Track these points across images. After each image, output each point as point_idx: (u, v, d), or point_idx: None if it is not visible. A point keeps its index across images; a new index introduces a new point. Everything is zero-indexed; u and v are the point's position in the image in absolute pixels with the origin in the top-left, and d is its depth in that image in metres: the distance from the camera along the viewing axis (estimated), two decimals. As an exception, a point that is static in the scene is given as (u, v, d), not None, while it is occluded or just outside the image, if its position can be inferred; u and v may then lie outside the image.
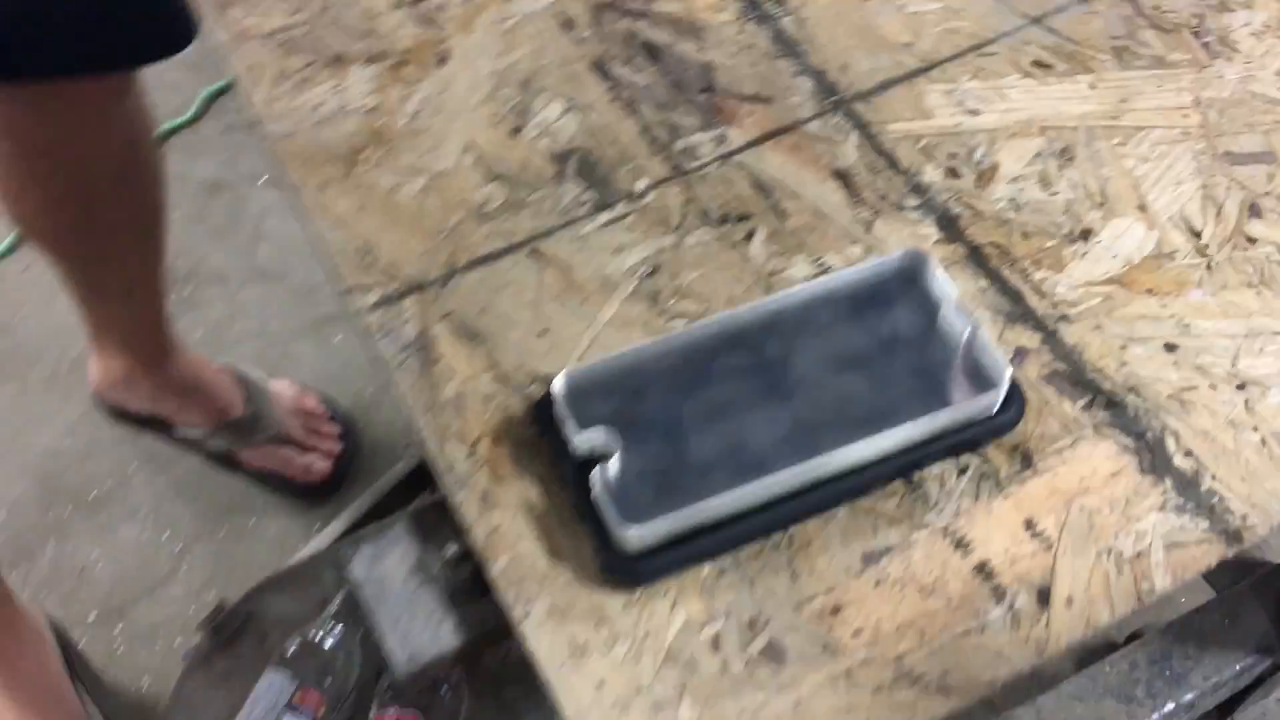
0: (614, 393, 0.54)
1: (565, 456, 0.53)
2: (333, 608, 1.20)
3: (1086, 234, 0.62)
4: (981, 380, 0.54)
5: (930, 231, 0.62)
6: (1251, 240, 0.61)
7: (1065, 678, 0.76)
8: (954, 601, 0.50)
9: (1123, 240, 0.62)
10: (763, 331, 0.56)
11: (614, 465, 0.51)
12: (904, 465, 0.54)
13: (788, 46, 0.70)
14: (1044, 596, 0.51)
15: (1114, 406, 0.56)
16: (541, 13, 0.71)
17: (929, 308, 0.56)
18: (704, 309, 0.59)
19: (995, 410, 0.54)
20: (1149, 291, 0.60)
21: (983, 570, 0.51)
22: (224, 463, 1.43)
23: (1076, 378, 0.57)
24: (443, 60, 0.69)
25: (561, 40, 0.70)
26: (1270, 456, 0.54)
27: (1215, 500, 0.53)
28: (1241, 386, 0.56)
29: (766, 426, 0.53)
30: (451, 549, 0.54)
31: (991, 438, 0.55)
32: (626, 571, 0.51)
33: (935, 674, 0.48)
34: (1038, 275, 0.60)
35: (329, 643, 1.17)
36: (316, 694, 1.09)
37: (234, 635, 1.19)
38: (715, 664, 0.49)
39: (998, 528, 0.53)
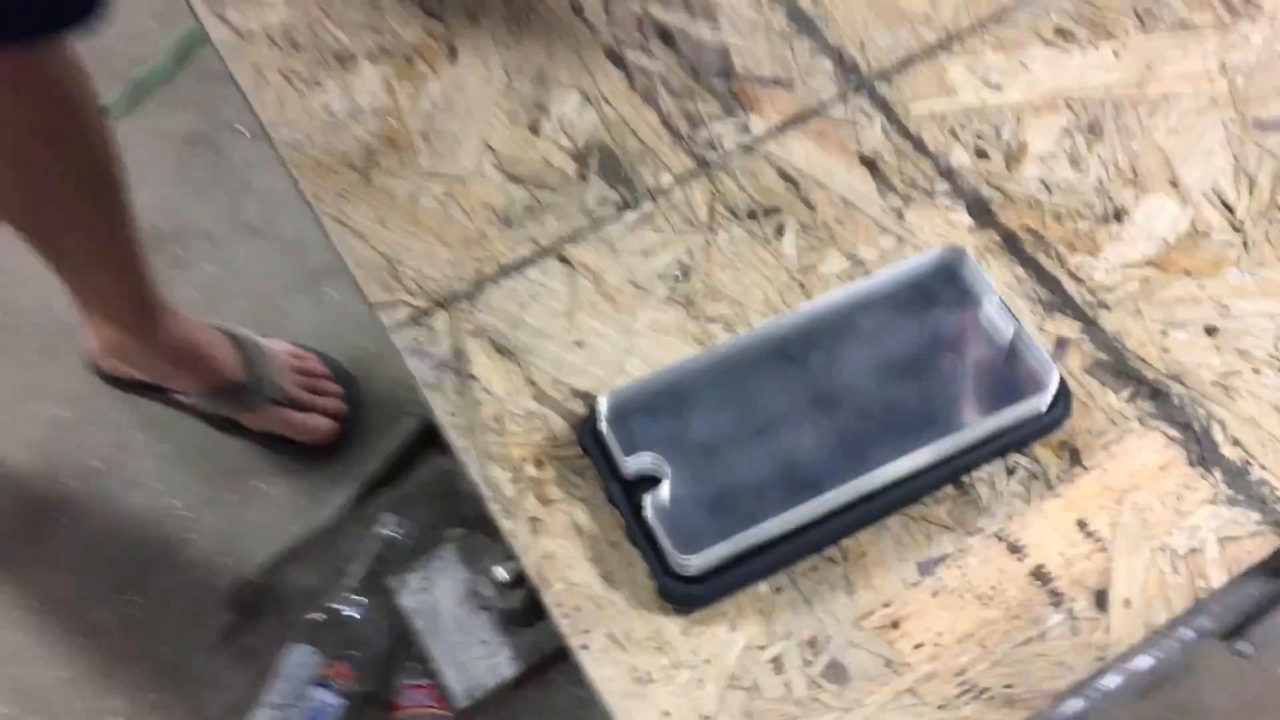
0: (659, 412, 0.53)
1: (613, 479, 0.53)
2: (351, 577, 1.21)
3: (1120, 214, 0.61)
4: (1029, 381, 0.54)
5: (962, 219, 0.61)
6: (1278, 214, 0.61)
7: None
8: (1013, 609, 0.51)
9: (1157, 219, 0.61)
10: (803, 341, 0.55)
11: (665, 490, 0.51)
12: (954, 470, 0.53)
13: (805, 23, 0.68)
14: (1101, 600, 0.51)
15: (1158, 396, 0.56)
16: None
17: (970, 306, 0.56)
18: (739, 311, 0.58)
19: (1044, 410, 0.54)
20: (1186, 272, 0.59)
21: (1039, 575, 0.52)
22: (226, 427, 1.42)
23: (1119, 368, 0.57)
24: (453, 54, 0.67)
25: (573, 26, 0.68)
26: (1316, 442, 0.54)
27: (1265, 490, 0.53)
28: (1284, 369, 0.56)
29: (815, 440, 0.53)
30: (500, 574, 0.54)
31: (1040, 436, 0.55)
32: (685, 597, 0.51)
33: (999, 686, 0.49)
34: (1074, 260, 0.60)
35: (353, 613, 1.18)
36: (345, 667, 1.10)
37: (256, 610, 1.20)
38: (779, 687, 0.49)
39: (1051, 529, 0.53)
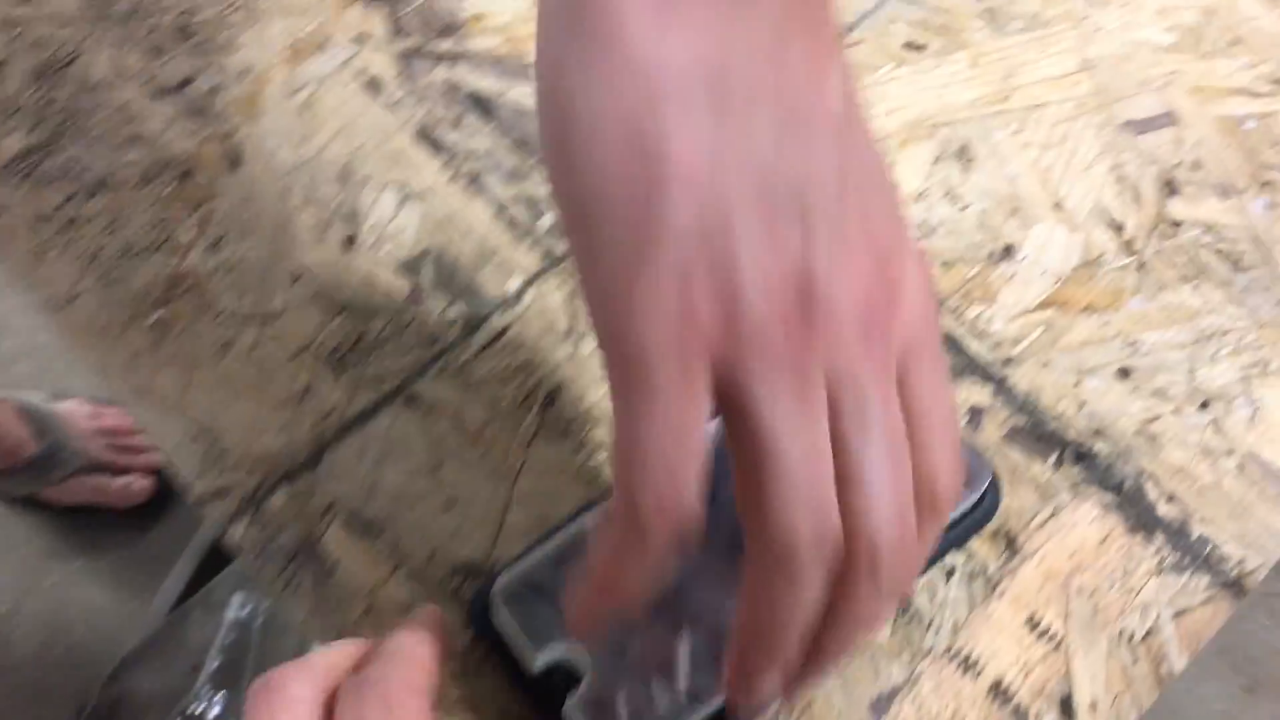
0: (563, 586, 0.46)
1: (520, 674, 0.45)
2: (206, 673, 1.11)
3: (1009, 250, 0.56)
4: None
5: (846, 281, 0.55)
6: (1176, 225, 0.57)
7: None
8: (980, 741, 0.46)
9: (1047, 251, 0.56)
10: (718, 464, 0.49)
11: (587, 686, 0.44)
12: None
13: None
14: (1067, 707, 0.47)
15: (1084, 458, 0.52)
16: (339, 74, 0.59)
17: None
18: (624, 433, 0.51)
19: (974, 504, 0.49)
20: (1088, 309, 0.55)
21: (998, 691, 0.47)
22: (31, 506, 1.29)
23: (1039, 431, 0.52)
24: (235, 162, 0.57)
25: (373, 108, 0.58)
26: (1251, 481, 0.51)
27: (1209, 549, 0.50)
28: (1205, 405, 0.53)
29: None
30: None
31: (975, 531, 0.50)
32: None
33: (984, 838, 0.45)
34: (971, 313, 0.55)
35: (216, 710, 1.08)
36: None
37: (106, 730, 1.09)
38: None
39: (1001, 634, 0.48)
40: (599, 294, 0.28)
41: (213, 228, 0.55)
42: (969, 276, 0.56)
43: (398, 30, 0.60)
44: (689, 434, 0.28)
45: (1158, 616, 0.49)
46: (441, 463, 0.51)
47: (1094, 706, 0.47)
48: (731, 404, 0.29)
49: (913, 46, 0.61)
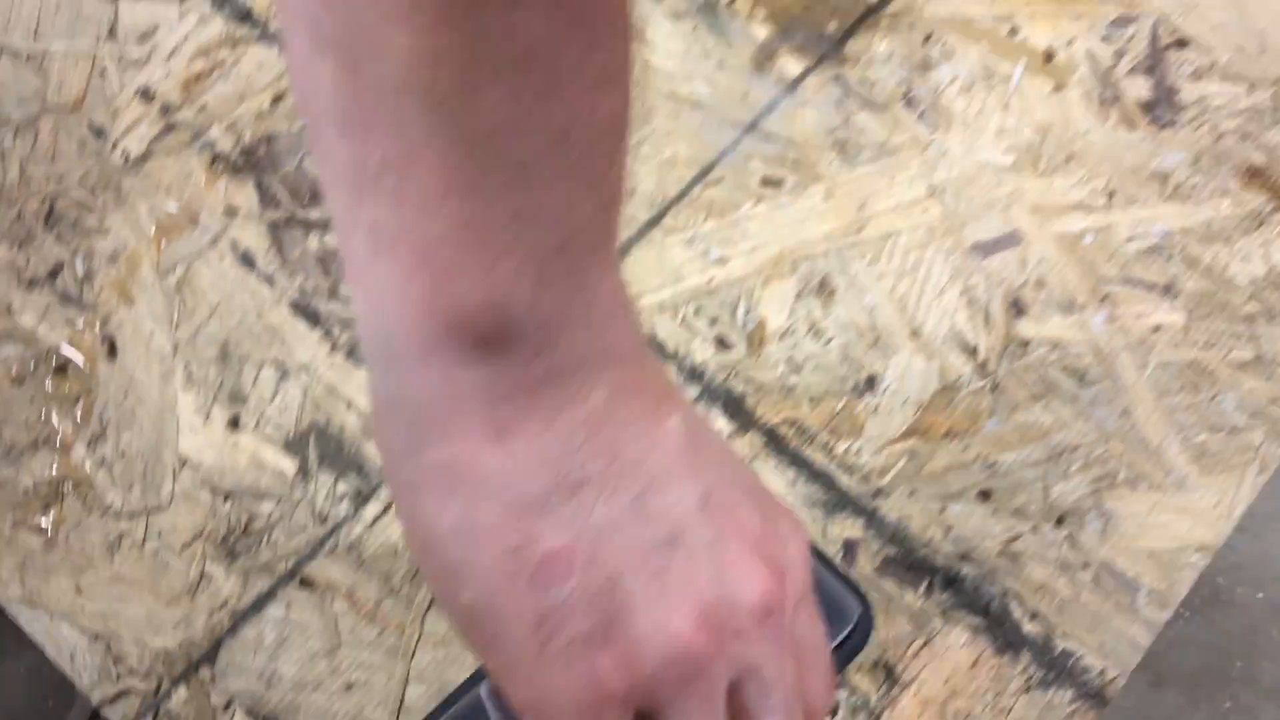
0: None
1: None
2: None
3: (872, 381, 0.59)
4: (833, 611, 0.52)
5: (721, 424, 0.58)
6: (1024, 344, 0.60)
7: None
8: None
9: (907, 380, 0.59)
10: None
11: None
12: None
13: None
14: (951, 835, 0.50)
15: (953, 583, 0.55)
16: (210, 251, 0.60)
17: None
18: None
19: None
20: (948, 434, 0.58)
21: (886, 825, 0.50)
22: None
23: (910, 560, 0.55)
24: (112, 349, 0.58)
25: (248, 282, 0.59)
26: (1107, 593, 0.55)
27: (1072, 661, 0.53)
28: (1060, 521, 0.56)
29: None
30: None
31: (849, 659, 0.53)
32: None
33: None
34: (840, 447, 0.58)
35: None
36: None
37: None
38: None
39: (886, 768, 0.51)
40: (509, 679, 0.31)
41: (94, 421, 0.56)
42: (836, 410, 0.58)
43: (266, 201, 0.61)
44: None
45: (1029, 735, 0.52)
46: (339, 644, 0.52)
47: (976, 831, 0.50)
48: None
49: (770, 182, 0.64)
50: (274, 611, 0.52)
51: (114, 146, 0.61)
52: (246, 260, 0.60)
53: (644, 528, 0.30)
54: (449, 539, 0.30)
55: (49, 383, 0.57)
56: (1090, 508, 0.57)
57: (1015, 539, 0.56)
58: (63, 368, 0.57)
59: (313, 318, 0.59)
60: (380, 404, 0.31)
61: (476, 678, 0.49)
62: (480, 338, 0.28)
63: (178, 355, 0.58)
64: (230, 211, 0.61)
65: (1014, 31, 0.67)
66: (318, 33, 0.26)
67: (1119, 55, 0.66)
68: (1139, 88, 0.66)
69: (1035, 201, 0.64)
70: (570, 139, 0.27)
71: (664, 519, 0.31)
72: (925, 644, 0.53)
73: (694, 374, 0.59)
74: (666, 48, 0.66)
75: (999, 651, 0.53)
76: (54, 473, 0.55)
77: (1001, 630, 0.54)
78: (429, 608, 0.53)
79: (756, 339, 0.60)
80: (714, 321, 0.60)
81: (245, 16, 0.64)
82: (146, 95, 0.62)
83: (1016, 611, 0.54)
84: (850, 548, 0.55)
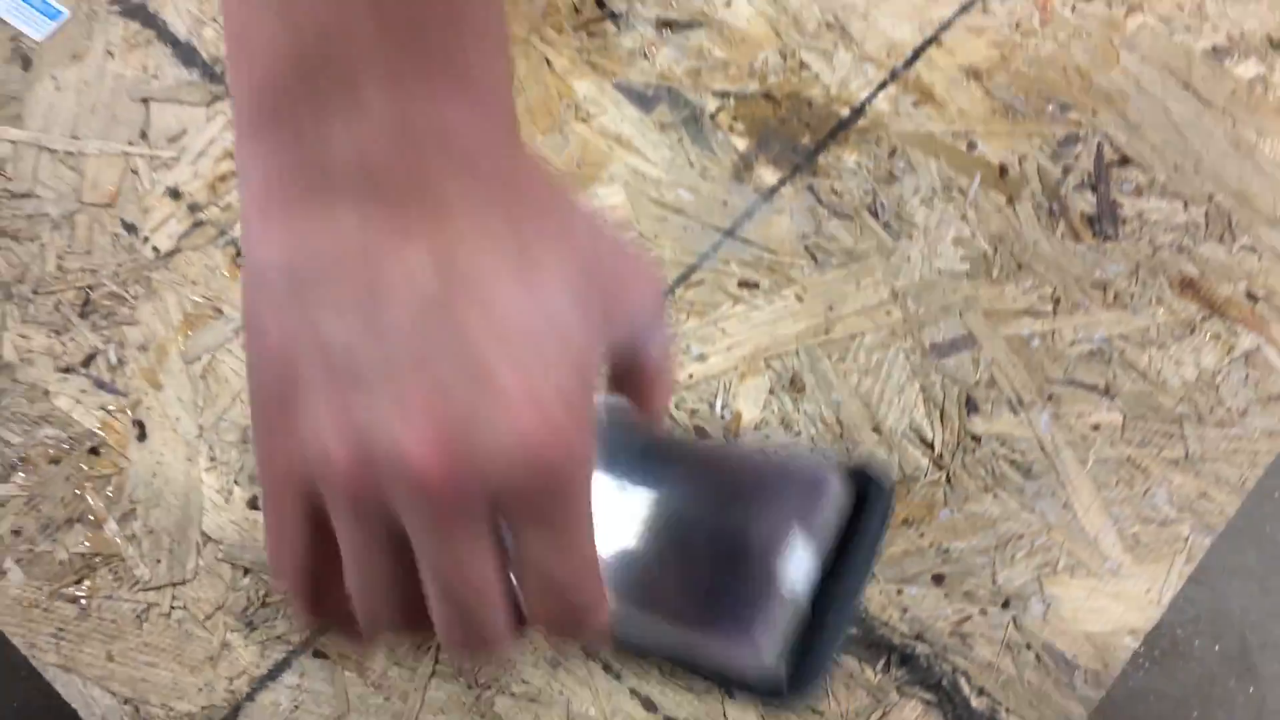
0: None
1: None
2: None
3: (837, 471, 0.65)
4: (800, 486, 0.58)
5: (699, 510, 0.63)
6: (976, 439, 0.66)
7: None
8: None
9: (870, 470, 0.65)
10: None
11: None
12: None
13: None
14: None
15: (908, 661, 0.60)
16: (233, 341, 0.65)
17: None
18: (514, 670, 0.58)
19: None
20: (905, 523, 0.64)
21: None
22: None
23: (869, 638, 0.61)
24: (142, 433, 0.63)
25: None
26: (1048, 672, 0.60)
27: (1014, 736, 0.59)
28: (1006, 604, 0.62)
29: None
30: None
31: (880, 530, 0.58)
32: None
33: None
34: (807, 533, 0.63)
35: None
36: None
37: None
38: None
39: (844, 831, 0.56)
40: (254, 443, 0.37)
41: (124, 499, 0.61)
42: (804, 498, 0.64)
43: (286, 295, 0.67)
44: (285, 537, 0.36)
45: (974, 802, 0.57)
46: (348, 710, 0.57)
47: None
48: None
49: (746, 285, 0.70)
50: (289, 679, 0.57)
51: (145, 241, 0.66)
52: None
53: (339, 348, 0.32)
54: (246, 309, 0.35)
55: (83, 463, 0.62)
56: (1034, 592, 0.62)
57: (965, 620, 0.62)
58: (96, 449, 0.62)
59: (327, 405, 0.64)
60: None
61: None
62: (267, 107, 0.32)
63: (202, 438, 0.63)
64: (251, 304, 0.66)
65: (971, 147, 0.74)
66: None
67: (1066, 171, 0.73)
68: (1084, 202, 0.72)
69: (988, 307, 0.70)
70: None
71: (360, 347, 0.32)
72: (882, 717, 0.59)
73: (675, 463, 0.64)
74: (653, 156, 0.72)
75: (949, 724, 0.59)
76: (87, 547, 0.59)
77: (952, 705, 0.59)
78: (431, 676, 0.58)
79: (732, 430, 0.66)
80: (695, 413, 0.66)
81: (268, 123, 0.69)
82: (175, 194, 0.68)
83: (965, 688, 0.60)
84: (815, 626, 0.61)
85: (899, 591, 0.62)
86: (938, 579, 0.62)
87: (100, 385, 0.63)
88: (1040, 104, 0.75)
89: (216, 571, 0.59)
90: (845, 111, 0.74)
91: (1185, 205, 0.72)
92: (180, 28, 0.74)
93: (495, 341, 0.32)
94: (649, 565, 0.55)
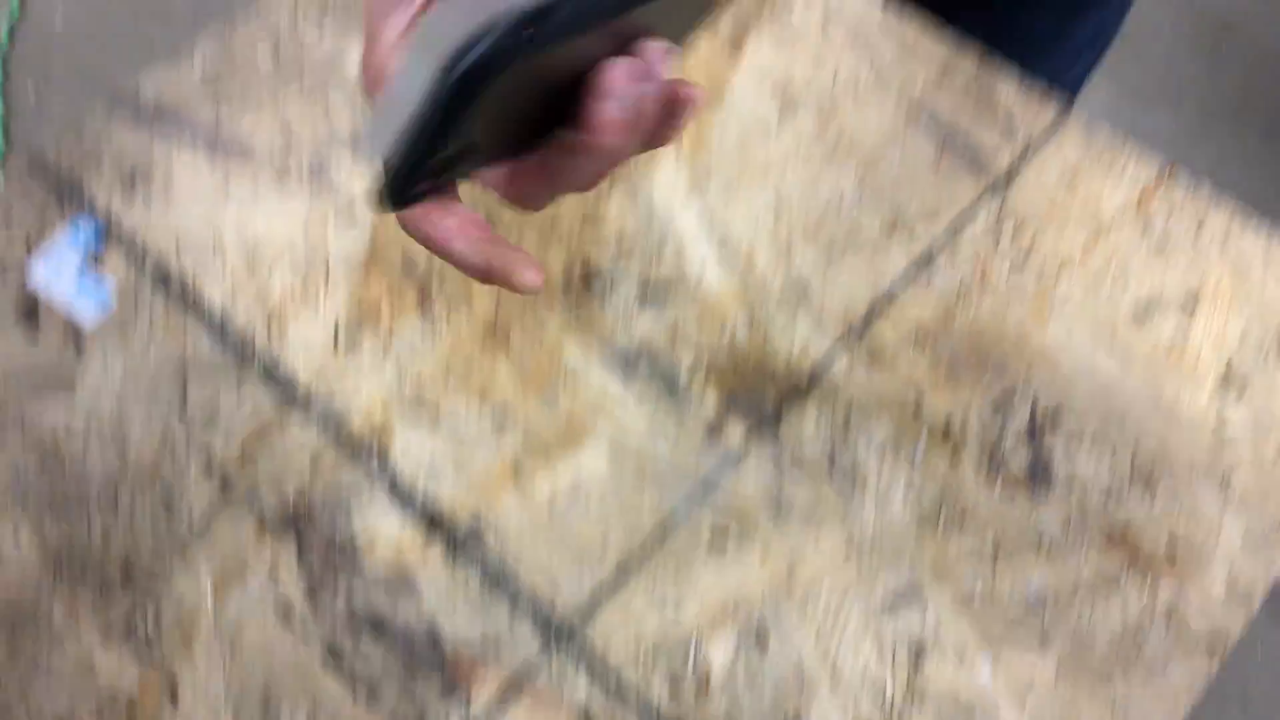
0: None
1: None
2: None
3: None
4: None
5: (673, 762, 0.70)
6: (923, 691, 0.74)
7: None
8: None
9: (827, 720, 0.72)
10: None
11: None
12: None
13: (497, 579, 0.76)
14: None
15: None
16: (257, 606, 0.73)
17: None
18: None
19: None
20: (860, 770, 0.71)
21: None
22: None
23: None
24: (174, 694, 0.70)
25: (285, 636, 0.73)
26: None
27: None
28: None
29: None
30: None
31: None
32: None
33: None
34: (770, 782, 0.70)
35: None
36: None
37: None
38: None
39: None
40: None
41: (159, 759, 0.68)
42: (768, 748, 0.71)
43: (305, 562, 0.75)
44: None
45: None
46: None
47: None
48: None
49: (718, 537, 0.78)
50: None
51: (180, 515, 0.75)
52: (286, 613, 0.73)
53: None
54: None
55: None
56: (975, 837, 0.69)
57: None
58: (132, 706, 0.70)
59: (339, 665, 0.72)
60: None
61: None
62: None
63: (228, 700, 0.70)
64: (273, 571, 0.75)
65: (919, 407, 0.82)
66: None
67: (1003, 429, 0.82)
68: (1020, 458, 0.81)
69: (933, 559, 0.78)
70: None
71: None
72: None
73: (647, 715, 0.72)
74: (634, 426, 0.81)
75: None
76: (125, 807, 0.67)
77: None
78: None
79: (704, 683, 0.73)
80: (668, 666, 0.74)
81: (292, 399, 0.78)
82: (209, 469, 0.76)
83: None
84: None
85: (853, 837, 0.69)
86: (888, 825, 0.69)
87: (139, 650, 0.71)
88: (980, 363, 0.84)
89: (240, 828, 0.67)
90: (806, 370, 0.83)
91: (1112, 460, 0.81)
92: (216, 302, 0.83)
93: None
94: None
